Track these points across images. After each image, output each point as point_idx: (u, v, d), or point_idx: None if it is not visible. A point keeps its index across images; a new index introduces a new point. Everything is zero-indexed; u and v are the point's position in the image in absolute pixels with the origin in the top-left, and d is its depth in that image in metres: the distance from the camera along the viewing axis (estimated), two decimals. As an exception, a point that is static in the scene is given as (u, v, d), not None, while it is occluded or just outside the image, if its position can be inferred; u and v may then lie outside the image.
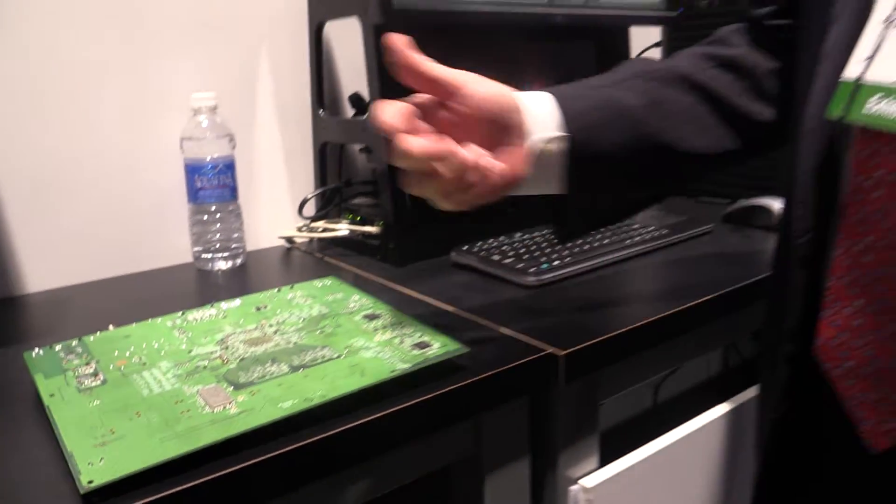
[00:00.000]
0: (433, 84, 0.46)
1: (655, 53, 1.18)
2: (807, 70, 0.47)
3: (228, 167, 0.88)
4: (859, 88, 0.39)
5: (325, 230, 0.93)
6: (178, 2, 0.89)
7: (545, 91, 0.54)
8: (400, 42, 0.44)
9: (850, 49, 0.41)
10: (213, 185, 0.87)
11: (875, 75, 0.39)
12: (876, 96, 0.38)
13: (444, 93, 0.46)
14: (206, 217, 0.88)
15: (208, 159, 0.86)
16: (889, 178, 0.39)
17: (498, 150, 0.48)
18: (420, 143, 0.42)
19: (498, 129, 0.48)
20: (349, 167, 1.02)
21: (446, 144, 0.43)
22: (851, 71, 0.40)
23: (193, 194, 0.87)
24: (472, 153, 0.45)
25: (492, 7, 0.83)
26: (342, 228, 0.91)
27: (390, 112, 0.43)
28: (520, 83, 0.56)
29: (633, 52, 1.12)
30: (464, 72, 0.48)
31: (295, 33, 0.96)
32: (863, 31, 0.41)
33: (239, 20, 0.93)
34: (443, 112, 0.47)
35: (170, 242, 0.91)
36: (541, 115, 0.51)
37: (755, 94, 0.59)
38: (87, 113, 0.84)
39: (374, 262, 0.87)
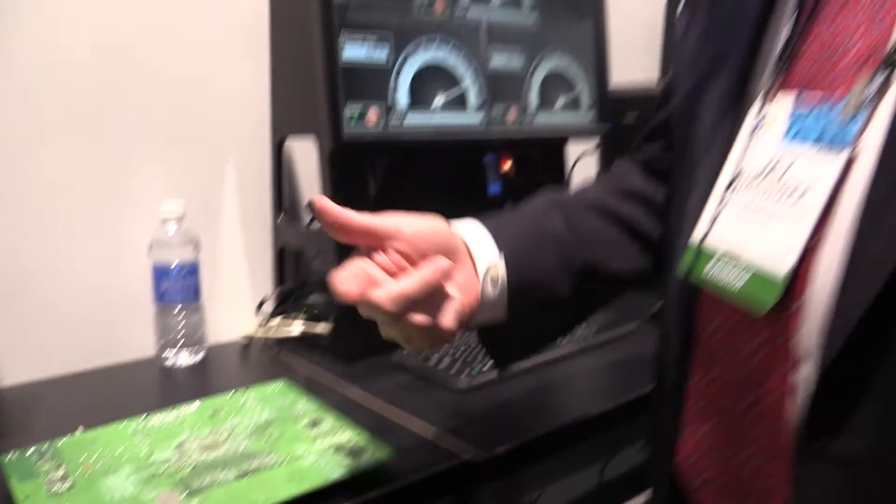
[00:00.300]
0: (369, 235, 0.50)
1: (591, 159, 1.29)
2: (674, 225, 0.57)
3: (193, 271, 0.96)
4: (700, 253, 0.49)
5: (280, 328, 1.00)
6: (150, 115, 0.98)
7: (475, 221, 0.59)
8: (328, 204, 0.47)
9: (701, 212, 0.51)
10: (178, 288, 0.95)
11: (713, 241, 0.49)
12: (712, 261, 0.48)
13: (382, 241, 0.50)
14: (170, 316, 0.95)
15: (174, 264, 0.94)
16: (727, 325, 0.49)
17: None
18: (384, 298, 0.46)
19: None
20: (306, 268, 1.11)
21: (408, 289, 0.47)
22: (697, 234, 0.50)
23: (159, 296, 0.95)
24: (434, 273, 0.49)
25: (433, 133, 0.94)
26: (295, 327, 0.99)
27: (346, 281, 0.46)
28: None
29: (571, 157, 1.24)
30: (394, 217, 0.51)
31: (258, 146, 1.06)
32: (709, 197, 0.51)
33: (208, 134, 1.03)
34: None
35: (136, 338, 0.98)
36: (479, 245, 0.56)
37: (656, 219, 0.66)
38: (61, 217, 0.92)
39: (325, 358, 0.95)
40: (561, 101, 1.09)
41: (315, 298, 1.03)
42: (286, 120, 1.01)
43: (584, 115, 1.13)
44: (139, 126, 0.98)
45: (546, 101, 1.07)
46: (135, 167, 0.98)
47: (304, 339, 0.99)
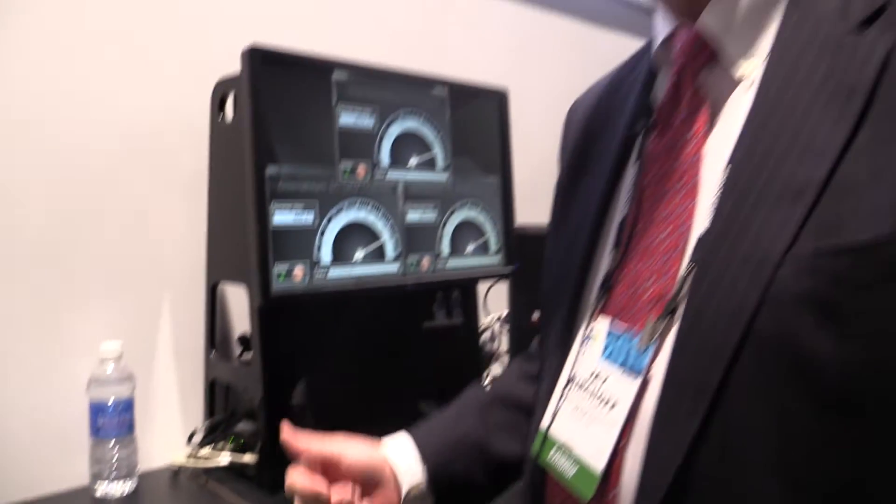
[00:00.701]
0: (319, 460, 0.67)
1: (502, 288, 1.43)
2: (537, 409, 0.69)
3: (128, 406, 1.03)
4: (546, 439, 0.61)
5: (209, 458, 1.08)
6: (92, 258, 1.08)
7: (405, 438, 0.75)
8: (292, 437, 0.67)
9: (548, 403, 0.64)
10: (114, 424, 1.02)
11: (555, 431, 0.61)
12: (554, 448, 0.60)
13: (329, 463, 0.68)
14: (104, 449, 1.02)
15: (111, 401, 1.02)
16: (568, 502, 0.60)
17: (375, 494, 0.69)
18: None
19: (374, 483, 0.70)
20: (235, 398, 1.19)
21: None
22: (544, 422, 0.63)
23: (95, 430, 1.02)
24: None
25: (354, 284, 1.06)
26: (223, 458, 1.07)
27: (298, 480, 0.65)
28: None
29: (481, 292, 1.37)
30: (339, 442, 0.69)
31: (194, 288, 1.16)
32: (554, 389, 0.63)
33: (146, 276, 1.13)
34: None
35: (70, 469, 1.04)
36: (405, 466, 0.72)
37: None
38: (2, 356, 0.99)
39: (251, 488, 1.03)
40: (471, 247, 1.24)
41: (243, 429, 1.12)
42: (220, 266, 1.11)
43: (492, 258, 1.27)
44: (81, 269, 1.07)
45: (457, 248, 1.21)
46: (76, 307, 1.06)
47: (232, 469, 1.07)
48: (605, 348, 0.58)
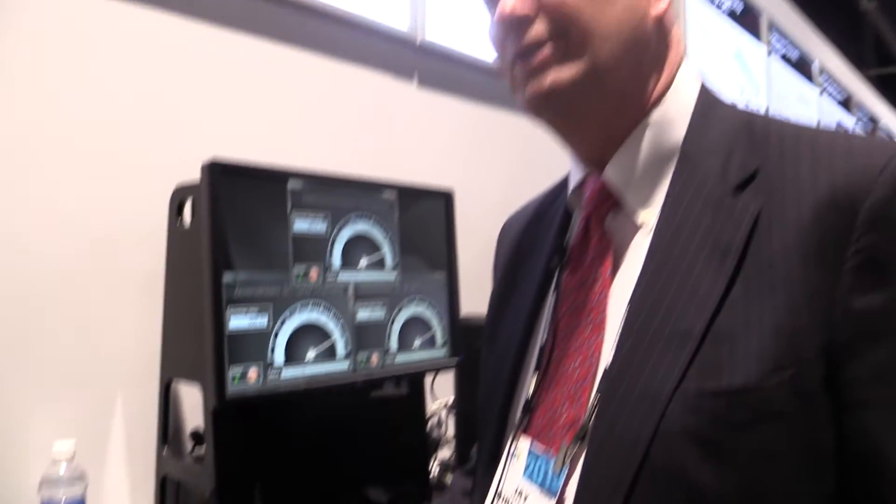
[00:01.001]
0: None
1: (449, 373, 1.50)
2: None
3: (79, 506, 1.05)
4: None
5: (159, 557, 1.10)
6: (45, 357, 1.11)
7: None
8: None
9: None
10: (64, 525, 1.04)
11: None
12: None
13: None
14: (53, 551, 1.03)
15: (62, 502, 1.03)
16: None
17: None
18: None
19: None
20: (186, 495, 1.22)
21: None
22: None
23: (45, 532, 1.03)
24: None
25: (306, 382, 1.11)
26: (174, 557, 1.09)
27: None
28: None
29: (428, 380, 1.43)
30: None
31: (147, 385, 1.19)
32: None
33: (100, 374, 1.16)
34: None
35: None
36: None
37: None
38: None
39: (200, 587, 1.05)
40: (418, 341, 1.30)
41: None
42: (174, 365, 1.15)
43: (438, 351, 1.34)
44: (36, 368, 1.10)
45: (405, 343, 1.28)
46: (29, 407, 1.09)
47: (181, 567, 1.09)
48: (527, 467, 0.65)
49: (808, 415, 0.53)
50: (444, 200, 1.40)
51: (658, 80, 0.66)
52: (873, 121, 6.64)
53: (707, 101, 0.66)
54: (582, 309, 0.65)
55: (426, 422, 1.45)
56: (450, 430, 1.58)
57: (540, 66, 0.61)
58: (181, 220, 1.15)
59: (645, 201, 0.64)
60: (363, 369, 1.20)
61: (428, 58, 1.81)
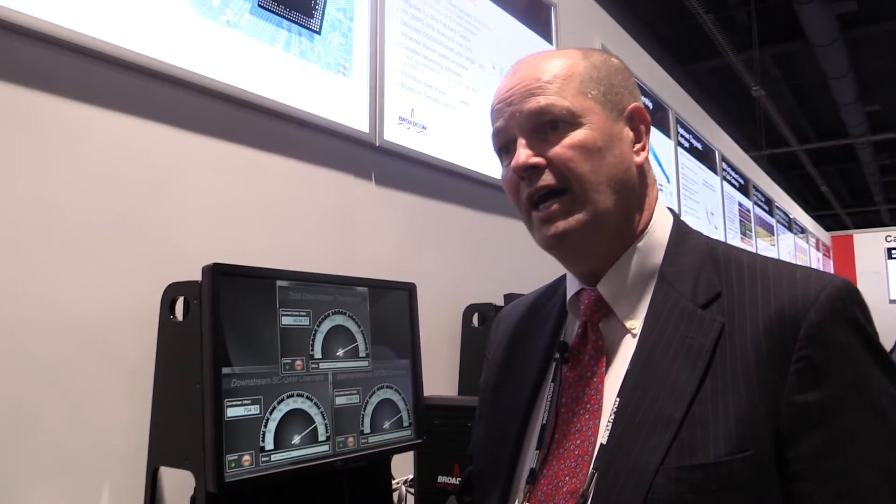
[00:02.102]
0: None
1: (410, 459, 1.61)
2: None
3: None
4: None
5: None
6: (31, 447, 1.16)
7: None
8: None
9: None
10: None
11: None
12: None
13: None
14: None
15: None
16: None
17: None
18: None
19: None
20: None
21: None
22: None
23: None
24: None
25: (293, 464, 1.21)
26: None
27: None
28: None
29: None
30: None
31: (134, 473, 1.25)
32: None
33: (86, 461, 1.22)
34: None
35: None
36: None
37: None
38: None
39: None
40: (387, 424, 1.42)
41: None
42: (163, 453, 1.23)
43: (404, 432, 1.46)
44: (25, 452, 1.15)
45: (377, 425, 1.39)
46: (19, 490, 1.14)
47: None
48: (531, 530, 0.79)
49: (763, 485, 0.69)
50: (408, 293, 1.55)
51: (640, 215, 0.84)
52: (769, 202, 7.26)
53: (680, 232, 0.85)
54: (581, 398, 0.81)
55: (391, 499, 1.55)
56: (410, 506, 1.68)
57: (552, 217, 0.79)
58: (174, 315, 1.25)
59: (632, 312, 0.81)
60: (342, 450, 1.31)
61: (385, 158, 1.98)
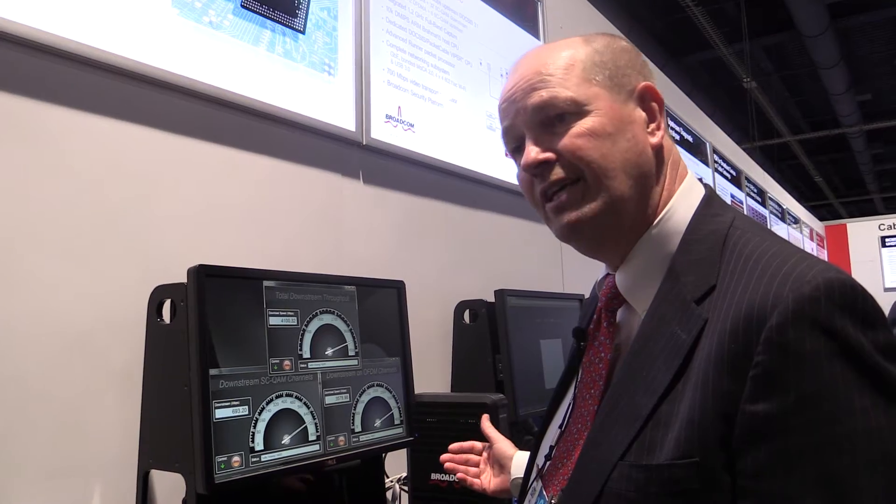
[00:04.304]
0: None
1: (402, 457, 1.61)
2: None
3: None
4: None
5: None
6: (19, 451, 1.16)
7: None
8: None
9: None
10: None
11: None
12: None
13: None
14: None
15: None
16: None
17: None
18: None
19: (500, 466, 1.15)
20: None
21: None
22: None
23: None
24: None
25: (284, 465, 1.21)
26: None
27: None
28: None
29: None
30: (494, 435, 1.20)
31: (125, 476, 1.25)
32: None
33: (77, 464, 1.22)
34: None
35: None
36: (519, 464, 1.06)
37: None
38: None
39: None
40: (378, 422, 1.42)
41: None
42: (154, 455, 1.23)
43: (397, 429, 1.46)
44: (15, 457, 1.15)
45: (368, 424, 1.39)
46: (8, 495, 1.13)
47: None
48: (537, 502, 0.82)
49: (709, 494, 0.64)
50: (396, 291, 1.55)
51: (658, 201, 0.79)
52: (761, 193, 7.28)
53: (703, 214, 0.78)
54: (588, 383, 0.82)
55: (385, 497, 1.55)
56: (404, 503, 1.68)
57: (564, 206, 0.77)
58: (161, 317, 1.25)
59: (643, 302, 0.78)
60: (332, 449, 1.31)
61: (372, 156, 1.98)
